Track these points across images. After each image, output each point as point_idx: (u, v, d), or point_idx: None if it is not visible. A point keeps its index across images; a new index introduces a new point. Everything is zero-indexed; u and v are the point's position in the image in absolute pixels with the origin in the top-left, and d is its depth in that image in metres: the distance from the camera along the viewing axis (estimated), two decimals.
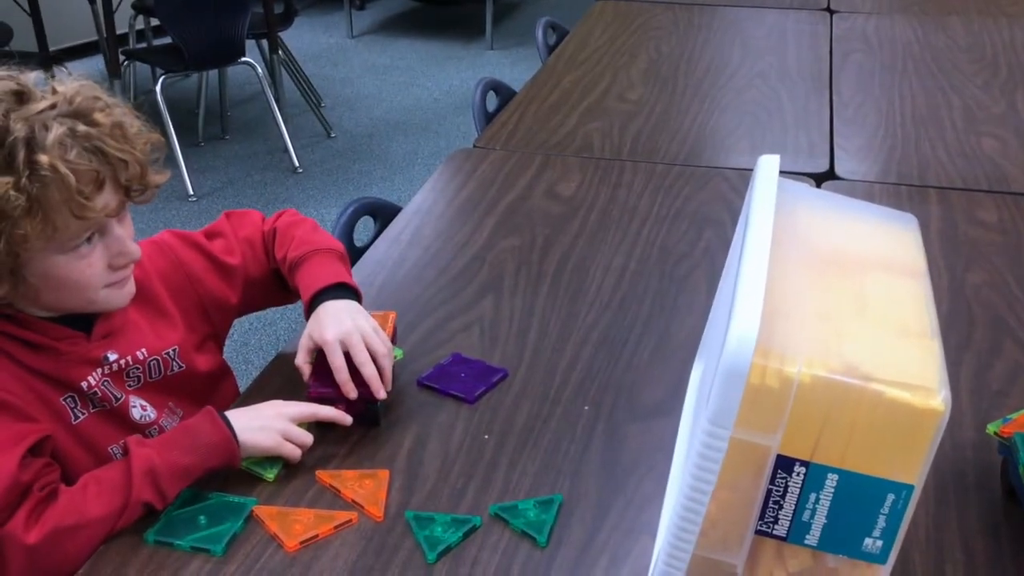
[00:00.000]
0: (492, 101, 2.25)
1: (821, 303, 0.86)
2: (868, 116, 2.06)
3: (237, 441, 1.00)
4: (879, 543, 0.78)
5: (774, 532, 0.79)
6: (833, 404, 0.76)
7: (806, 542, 0.79)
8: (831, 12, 2.80)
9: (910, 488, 0.76)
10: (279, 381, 1.18)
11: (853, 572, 0.80)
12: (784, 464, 0.77)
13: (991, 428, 1.03)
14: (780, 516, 0.79)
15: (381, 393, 1.06)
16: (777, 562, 0.82)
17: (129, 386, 1.08)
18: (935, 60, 2.40)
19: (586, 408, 1.15)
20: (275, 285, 1.21)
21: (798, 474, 0.77)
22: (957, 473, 1.05)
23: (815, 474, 0.77)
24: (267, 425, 1.02)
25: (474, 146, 1.95)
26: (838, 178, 1.77)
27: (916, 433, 0.75)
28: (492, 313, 1.36)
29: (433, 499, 1.01)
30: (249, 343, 2.67)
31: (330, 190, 3.61)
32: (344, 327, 1.06)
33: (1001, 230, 1.58)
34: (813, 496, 0.77)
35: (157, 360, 1.10)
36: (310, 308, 1.11)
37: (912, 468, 0.76)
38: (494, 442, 1.10)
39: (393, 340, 1.17)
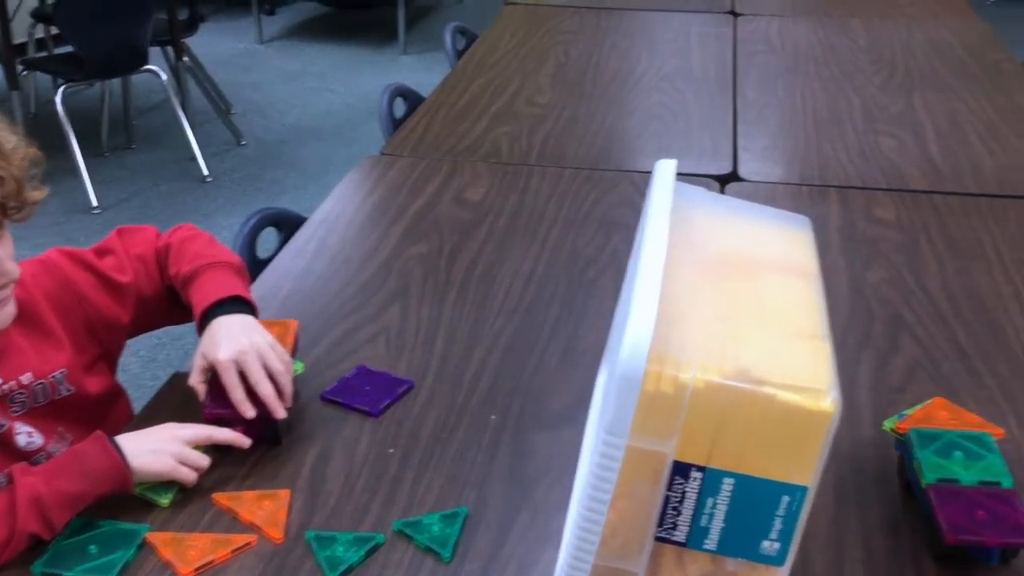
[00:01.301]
0: (401, 107, 2.23)
1: (717, 307, 0.86)
2: (771, 117, 2.10)
3: (129, 466, 0.96)
4: (776, 545, 0.78)
5: (673, 538, 0.79)
6: (727, 409, 0.76)
7: (705, 547, 0.79)
8: (735, 15, 2.84)
9: (804, 489, 0.77)
10: (176, 402, 1.14)
11: (752, 575, 0.80)
12: (681, 470, 0.77)
13: (887, 425, 1.05)
14: (679, 522, 0.79)
15: (280, 413, 1.03)
16: (678, 568, 0.82)
17: (14, 412, 1.04)
18: (836, 61, 2.46)
19: (493, 417, 1.15)
20: (171, 303, 1.17)
21: (695, 479, 0.77)
22: (857, 470, 1.06)
23: (711, 479, 0.77)
24: (160, 448, 0.98)
25: (382, 153, 1.93)
26: (742, 179, 1.79)
27: (808, 435, 0.75)
28: (399, 323, 1.34)
29: (335, 517, 0.99)
30: (156, 358, 2.60)
31: (241, 199, 3.54)
32: (238, 345, 1.03)
33: (899, 227, 1.61)
34: (710, 501, 0.77)
35: (43, 384, 1.06)
36: (202, 325, 1.08)
37: (805, 470, 0.77)
38: (399, 456, 1.08)
39: (294, 352, 1.14)
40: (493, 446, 1.10)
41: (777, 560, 0.78)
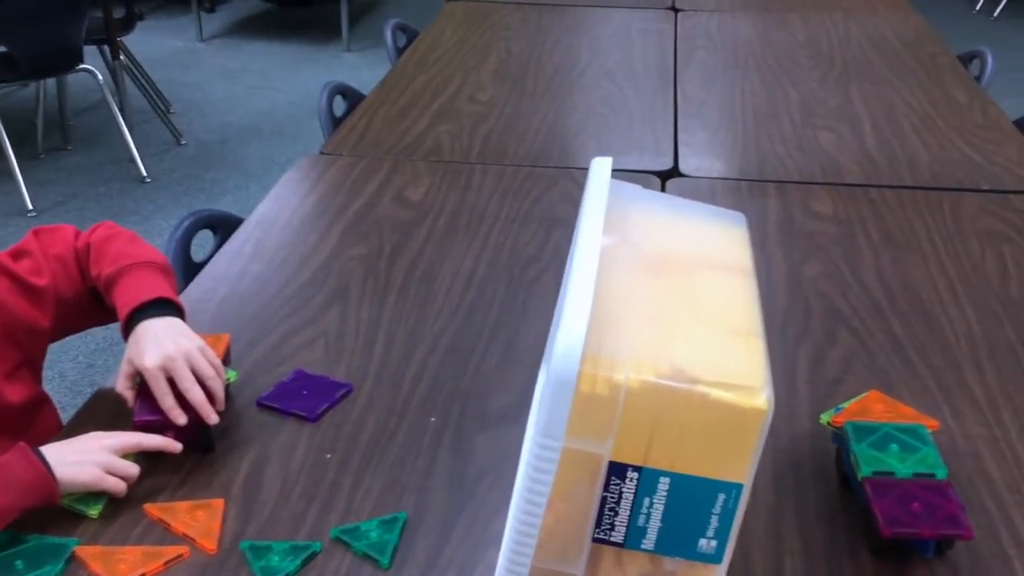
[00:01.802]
0: (342, 106, 2.20)
1: (653, 306, 0.86)
2: (711, 113, 2.11)
3: (54, 478, 0.93)
4: (713, 543, 0.78)
5: (611, 539, 0.79)
6: (662, 408, 0.76)
7: (643, 547, 0.79)
8: (676, 11, 2.85)
9: (739, 487, 0.77)
10: (107, 410, 1.11)
11: (691, 573, 0.80)
12: (617, 471, 0.77)
13: (824, 418, 1.05)
14: (616, 523, 0.78)
15: (211, 418, 1.01)
16: (617, 569, 0.81)
17: None
18: (775, 56, 2.48)
19: (432, 420, 1.13)
20: (93, 304, 1.13)
21: (631, 480, 0.77)
22: (795, 464, 1.07)
23: (648, 479, 0.77)
24: (87, 459, 0.95)
25: (321, 152, 1.90)
26: (682, 175, 1.80)
27: (742, 432, 0.75)
28: (337, 325, 1.32)
29: (271, 526, 0.97)
30: (95, 364, 2.54)
31: (181, 200, 3.47)
32: (166, 350, 1.00)
33: (836, 221, 1.63)
34: (647, 501, 0.77)
35: None
36: (127, 329, 1.05)
37: (740, 467, 0.77)
38: (337, 461, 1.06)
39: (226, 362, 1.12)
40: (433, 449, 1.09)
41: (714, 558, 0.78)
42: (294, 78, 4.74)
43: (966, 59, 2.50)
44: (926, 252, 1.52)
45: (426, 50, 2.52)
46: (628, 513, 0.78)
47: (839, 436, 1.02)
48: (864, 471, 0.95)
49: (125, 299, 1.05)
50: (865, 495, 0.93)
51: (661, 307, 0.86)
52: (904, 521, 0.90)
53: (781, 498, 1.02)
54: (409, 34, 2.75)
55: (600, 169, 1.03)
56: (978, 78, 2.38)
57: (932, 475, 0.94)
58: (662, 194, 1.04)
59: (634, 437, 0.76)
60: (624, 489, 0.77)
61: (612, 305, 0.82)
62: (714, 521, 0.77)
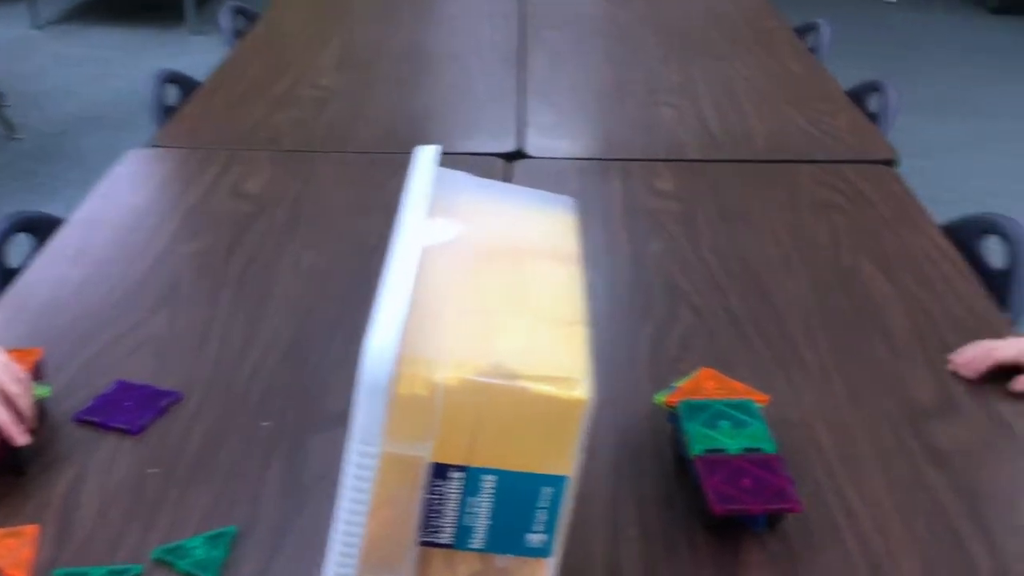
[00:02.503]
0: (176, 94, 2.10)
1: (477, 299, 0.84)
2: (558, 93, 2.11)
3: None
4: (542, 537, 0.77)
5: (439, 541, 0.77)
6: (483, 405, 0.74)
7: (472, 546, 0.77)
8: None
9: (564, 479, 0.76)
10: None
11: (523, 569, 0.79)
12: (440, 472, 0.75)
13: (658, 398, 1.06)
14: (443, 524, 0.76)
15: (20, 439, 0.94)
16: (447, 570, 0.79)
17: None
18: (620, 34, 2.50)
19: (266, 424, 1.09)
20: None
21: (455, 480, 0.75)
22: (635, 447, 1.07)
23: (472, 478, 0.75)
24: None
25: (152, 145, 1.81)
26: (528, 156, 1.79)
27: (564, 425, 0.74)
28: (166, 330, 1.26)
29: (89, 550, 0.91)
30: None
31: (16, 197, 3.28)
32: None
33: (677, 198, 1.65)
34: (473, 500, 0.76)
35: None
36: None
37: (564, 459, 0.76)
38: (162, 475, 1.01)
39: (38, 377, 1.05)
40: (266, 456, 1.04)
41: (544, 552, 0.77)
42: (137, 65, 4.54)
43: (803, 31, 2.57)
44: (762, 225, 1.55)
45: (266, 34, 2.44)
46: (454, 514, 0.76)
47: (674, 416, 1.03)
48: (695, 449, 0.96)
49: None
50: (697, 474, 0.94)
51: (485, 300, 0.84)
52: (734, 498, 0.91)
53: (620, 482, 1.02)
54: (248, 17, 2.65)
55: (423, 158, 1.01)
56: (814, 49, 2.46)
57: (761, 450, 0.96)
58: (491, 181, 1.02)
59: (456, 436, 0.75)
60: (449, 490, 0.75)
61: (433, 301, 0.80)
62: (541, 515, 0.76)
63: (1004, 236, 1.47)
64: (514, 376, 0.74)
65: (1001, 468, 1.05)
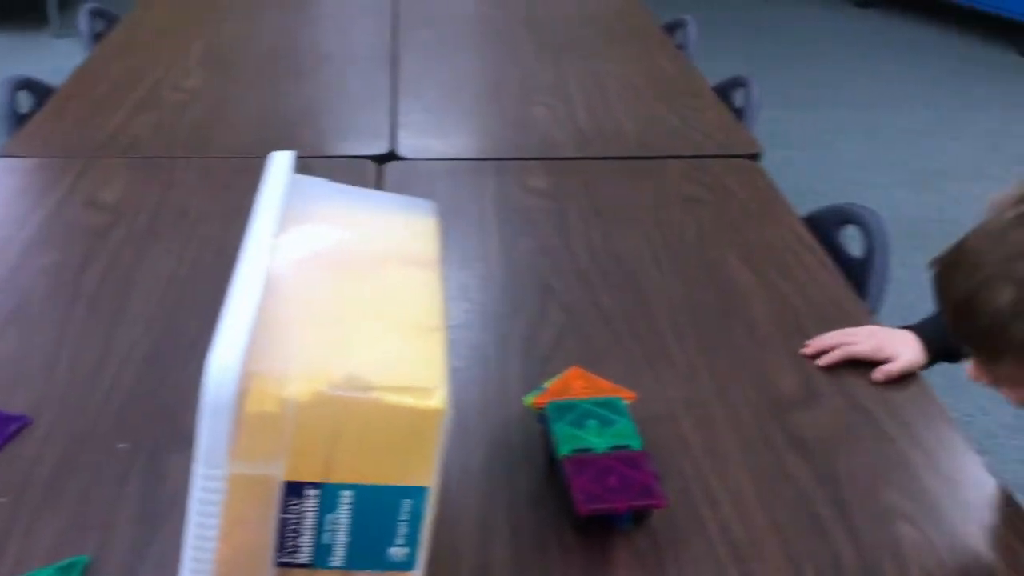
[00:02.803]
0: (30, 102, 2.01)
1: (331, 310, 0.82)
2: (431, 93, 2.09)
3: None
4: (404, 550, 0.76)
5: (298, 561, 0.75)
6: (338, 419, 0.72)
7: (332, 564, 0.75)
8: None
9: (424, 491, 0.74)
10: None
11: None
12: (294, 490, 0.72)
13: (527, 399, 1.06)
14: (301, 544, 0.74)
15: None
16: None
17: None
18: (495, 33, 2.50)
19: (122, 446, 1.04)
20: None
21: (311, 498, 0.73)
22: (507, 449, 1.07)
23: (329, 494, 0.73)
24: None
25: (1, 156, 1.72)
26: (400, 158, 1.77)
27: (422, 435, 0.73)
28: (14, 350, 1.19)
29: None
30: None
31: None
32: None
33: (550, 196, 1.65)
34: (331, 517, 0.74)
35: None
36: None
37: (424, 470, 0.74)
38: (10, 505, 0.95)
39: None
40: (122, 478, 1.00)
41: (407, 565, 0.76)
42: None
43: (672, 28, 2.62)
44: (632, 222, 1.56)
45: (126, 36, 2.35)
46: (312, 532, 0.74)
47: (543, 417, 1.03)
48: (563, 450, 0.96)
49: None
50: (565, 474, 0.94)
51: (340, 310, 0.82)
52: (600, 497, 0.91)
53: (492, 486, 1.01)
54: (108, 19, 2.55)
55: (277, 165, 0.98)
56: (682, 46, 2.50)
57: (628, 447, 0.96)
58: (349, 187, 1.00)
59: (311, 453, 0.72)
60: (305, 508, 0.73)
61: (283, 314, 0.78)
62: (402, 528, 0.75)
63: (862, 226, 1.52)
64: (368, 387, 0.72)
65: (861, 454, 1.08)
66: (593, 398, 1.02)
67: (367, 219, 0.97)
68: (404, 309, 0.84)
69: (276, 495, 0.72)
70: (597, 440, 0.97)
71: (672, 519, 0.96)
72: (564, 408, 1.01)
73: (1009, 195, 0.91)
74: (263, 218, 0.87)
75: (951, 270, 0.93)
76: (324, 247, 0.89)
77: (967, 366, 0.98)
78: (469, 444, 1.07)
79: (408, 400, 0.72)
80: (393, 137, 1.84)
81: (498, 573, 0.91)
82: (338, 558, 0.75)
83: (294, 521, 0.73)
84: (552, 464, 1.02)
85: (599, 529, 0.94)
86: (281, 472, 0.72)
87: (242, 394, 0.69)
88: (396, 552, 0.75)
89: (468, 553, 0.93)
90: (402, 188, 1.62)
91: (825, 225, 1.58)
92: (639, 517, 0.95)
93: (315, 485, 0.73)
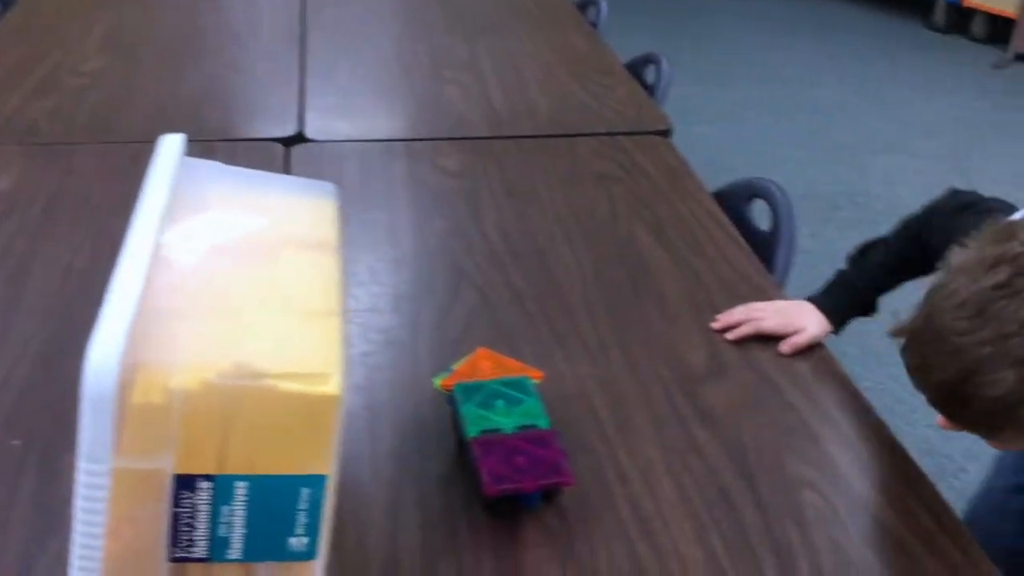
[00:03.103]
0: None
1: (222, 297, 0.79)
2: (341, 73, 2.05)
3: None
4: (304, 540, 0.74)
5: (193, 555, 0.73)
6: (229, 409, 0.70)
7: (230, 557, 0.73)
8: None
9: (323, 478, 0.73)
10: None
11: (287, 575, 0.76)
12: (186, 483, 0.70)
13: (436, 382, 1.04)
14: (195, 538, 0.72)
15: None
16: None
17: None
18: (405, 11, 2.46)
19: (16, 442, 1.00)
20: None
21: (204, 490, 0.71)
22: (417, 431, 1.06)
23: (223, 486, 0.71)
24: None
25: None
26: (308, 140, 1.73)
27: (318, 422, 0.71)
28: None
29: None
30: None
31: None
32: None
33: (462, 175, 1.64)
34: (226, 509, 0.71)
35: None
36: None
37: (322, 458, 0.73)
38: None
39: None
40: (15, 478, 0.96)
41: (307, 555, 0.74)
42: None
43: (584, 5, 2.61)
44: (544, 201, 1.56)
45: (24, 18, 2.26)
46: (206, 525, 0.72)
47: (452, 399, 1.02)
48: (472, 432, 0.95)
49: None
50: (474, 456, 0.93)
51: (232, 298, 0.79)
52: (508, 477, 0.90)
53: (402, 471, 1.00)
54: (5, 2, 2.45)
55: (167, 149, 0.95)
56: (594, 24, 2.50)
57: (536, 426, 0.96)
58: (245, 170, 0.97)
59: (202, 444, 0.70)
60: (198, 501, 0.71)
61: (170, 302, 0.75)
62: (302, 517, 0.73)
63: (768, 199, 1.54)
64: (260, 375, 0.70)
65: (767, 425, 1.09)
66: (501, 378, 1.01)
67: (263, 203, 0.94)
68: (299, 295, 0.82)
69: (166, 489, 0.70)
70: (505, 420, 0.96)
71: (583, 496, 0.96)
72: (472, 389, 1.00)
73: (977, 257, 0.82)
74: (149, 204, 0.84)
75: (927, 348, 0.84)
76: (217, 233, 0.86)
77: (937, 417, 0.90)
78: (379, 429, 1.06)
79: (302, 387, 0.71)
80: (301, 119, 1.80)
81: (407, 559, 0.90)
82: (235, 551, 0.73)
83: (187, 515, 0.71)
84: (461, 446, 1.01)
85: (509, 509, 0.94)
86: (171, 465, 0.69)
87: (126, 386, 0.67)
88: (296, 542, 0.74)
89: (377, 540, 0.92)
90: (310, 171, 1.59)
91: (734, 200, 1.60)
92: (549, 496, 0.95)
93: (208, 477, 0.71)
